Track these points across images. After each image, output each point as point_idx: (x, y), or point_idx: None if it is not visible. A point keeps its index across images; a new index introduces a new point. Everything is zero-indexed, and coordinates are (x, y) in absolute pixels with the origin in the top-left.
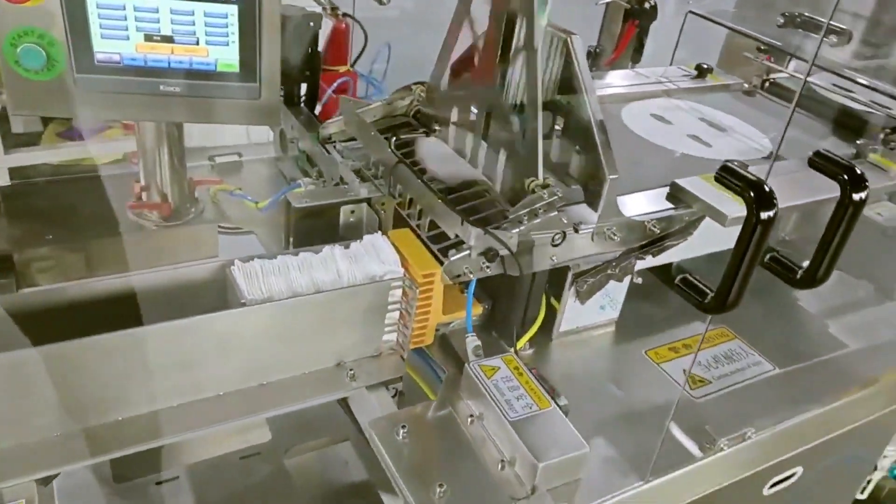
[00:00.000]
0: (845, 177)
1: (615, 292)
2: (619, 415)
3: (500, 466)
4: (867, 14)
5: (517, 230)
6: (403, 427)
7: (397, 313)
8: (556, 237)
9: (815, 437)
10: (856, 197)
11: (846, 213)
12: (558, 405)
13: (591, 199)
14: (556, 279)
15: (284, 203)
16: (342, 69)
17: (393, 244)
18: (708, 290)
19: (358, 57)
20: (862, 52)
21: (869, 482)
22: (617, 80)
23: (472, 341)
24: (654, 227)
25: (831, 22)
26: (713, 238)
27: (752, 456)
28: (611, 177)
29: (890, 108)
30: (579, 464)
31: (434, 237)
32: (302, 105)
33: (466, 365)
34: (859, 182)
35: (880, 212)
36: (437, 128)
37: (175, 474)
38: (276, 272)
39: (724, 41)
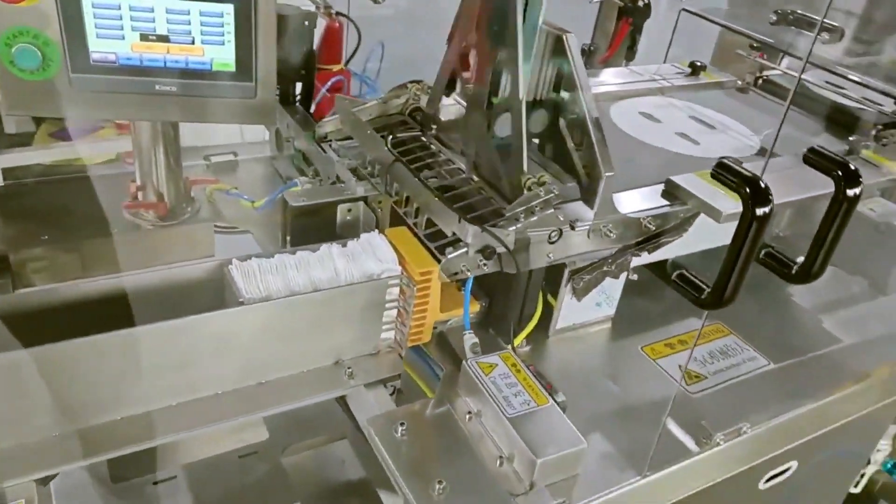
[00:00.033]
0: (839, 173)
1: (611, 289)
2: (616, 410)
3: (498, 463)
4: (859, 11)
5: (514, 228)
6: (402, 424)
7: (395, 311)
8: (553, 234)
9: (810, 431)
10: (850, 193)
11: (840, 208)
12: (556, 401)
13: (587, 197)
14: (552, 276)
15: (281, 202)
16: (336, 68)
17: (390, 242)
18: (704, 286)
19: (352, 56)
20: (853, 50)
21: (863, 476)
22: (611, 78)
23: (470, 339)
24: (650, 223)
25: (824, 20)
26: (708, 234)
27: (748, 450)
28: (607, 174)
29: (881, 105)
30: (577, 459)
31: (431, 235)
32: (297, 104)
33: (464, 362)
34: (853, 178)
35: (873, 207)
36: (433, 126)
37: (172, 474)
38: (273, 271)
39: (717, 39)
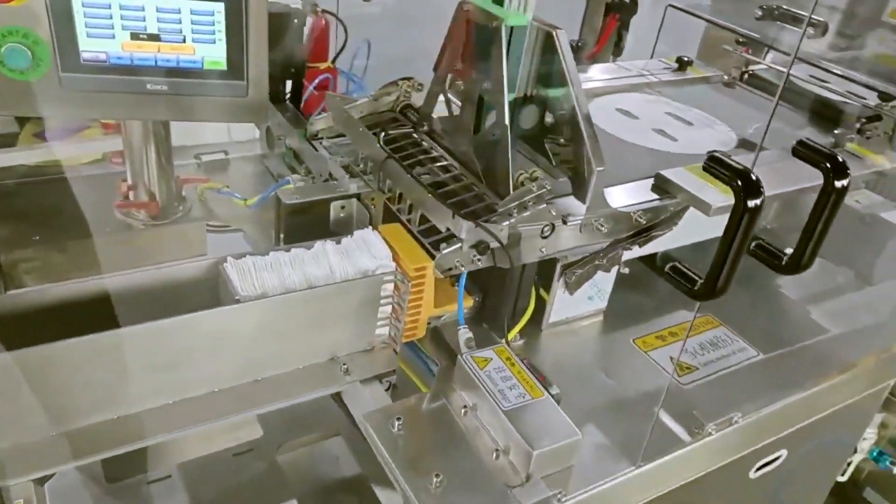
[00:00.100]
0: (828, 165)
1: (603, 283)
2: (610, 402)
3: (494, 455)
4: (842, 6)
5: (507, 223)
6: (398, 419)
7: (389, 307)
8: (546, 229)
9: (799, 420)
10: (838, 184)
11: (829, 200)
12: (550, 394)
13: (579, 192)
14: (545, 271)
15: (273, 200)
16: (323, 66)
17: (384, 239)
18: (697, 278)
19: (338, 54)
20: (837, 44)
21: (849, 464)
22: (599, 74)
23: (465, 333)
24: (641, 217)
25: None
26: (697, 228)
27: (739, 440)
28: (598, 169)
29: (865, 98)
30: (572, 451)
31: (424, 231)
32: (287, 102)
33: (459, 357)
34: (841, 170)
35: (858, 199)
36: (425, 124)
37: (167, 473)
38: (268, 268)
39: (703, 34)
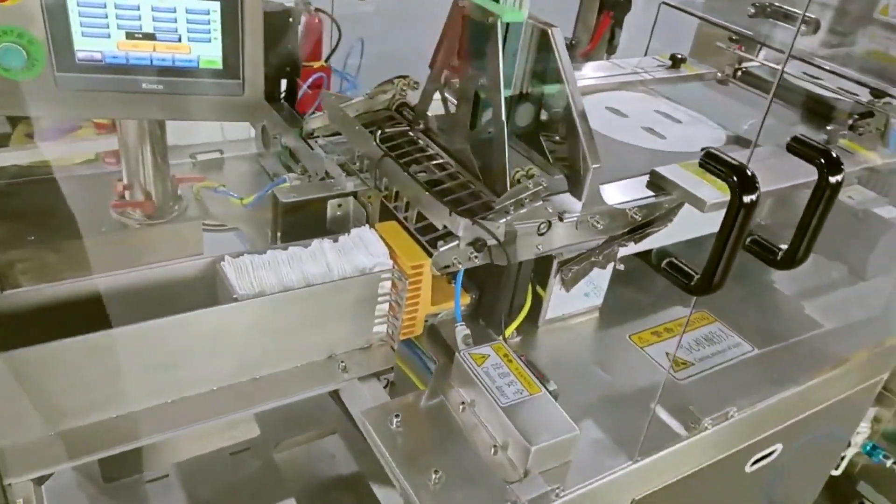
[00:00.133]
0: (822, 160)
1: (599, 279)
2: (606, 398)
3: (492, 451)
4: (834, 3)
5: (504, 220)
6: (397, 416)
7: (387, 305)
8: (542, 226)
9: (794, 414)
10: (832, 180)
11: (823, 195)
12: (548, 390)
13: (575, 189)
14: (541, 268)
15: (270, 199)
16: (316, 65)
17: (381, 237)
18: (693, 273)
19: (332, 52)
20: (829, 41)
21: (843, 458)
22: (594, 72)
23: (462, 330)
24: (636, 214)
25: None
26: (692, 224)
27: (735, 434)
28: (594, 165)
29: (857, 95)
30: (570, 446)
31: (421, 229)
32: (283, 101)
33: (457, 353)
34: (836, 165)
35: (851, 195)
36: (421, 122)
37: (164, 472)
38: (266, 267)
39: (696, 31)
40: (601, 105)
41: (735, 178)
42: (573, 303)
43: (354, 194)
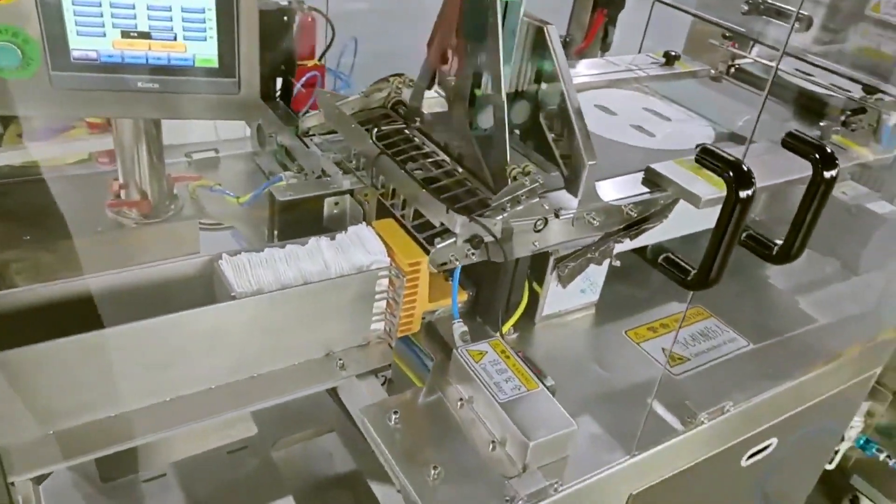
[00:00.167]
0: (817, 156)
1: (595, 276)
2: (604, 393)
3: (490, 447)
4: (826, 0)
5: (501, 217)
6: (395, 413)
7: (384, 302)
8: (538, 223)
9: (789, 409)
10: (827, 175)
11: (818, 190)
12: (545, 386)
13: (571, 185)
14: (537, 264)
15: (267, 197)
16: (310, 64)
17: (378, 234)
18: (690, 268)
19: (325, 51)
20: (821, 38)
21: (837, 452)
22: (588, 69)
23: (459, 327)
24: (632, 210)
25: (794, 8)
26: (687, 220)
27: (731, 428)
28: (590, 163)
29: (850, 91)
30: (567, 441)
31: (418, 226)
32: (278, 99)
33: (455, 350)
34: (830, 160)
35: (844, 191)
36: (417, 120)
37: (161, 472)
38: (263, 265)
39: (689, 29)
40: (590, 103)
41: (731, 174)
42: (570, 299)
43: (351, 192)
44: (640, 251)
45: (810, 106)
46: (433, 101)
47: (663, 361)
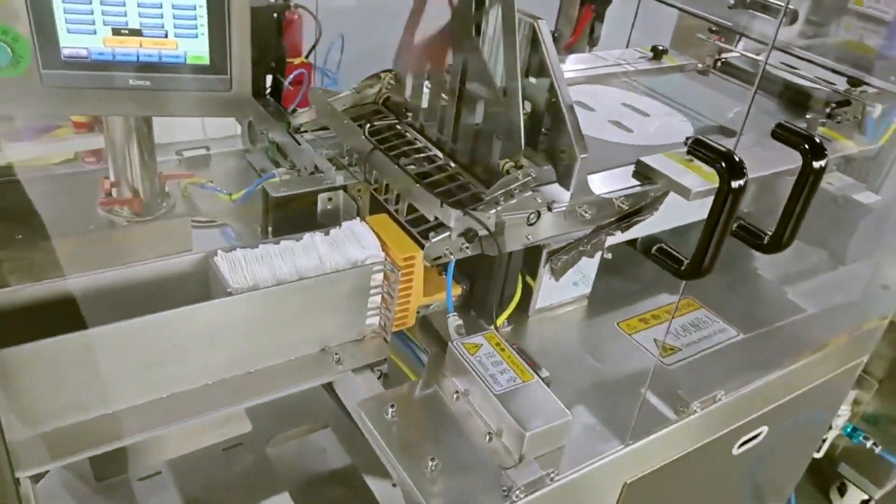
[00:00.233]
0: (806, 146)
1: (587, 268)
2: (597, 384)
3: (487, 438)
4: None
5: (495, 210)
6: (392, 406)
7: (379, 297)
8: (532, 216)
9: (778, 397)
10: (816, 165)
11: (808, 180)
12: (540, 377)
13: (563, 179)
14: (530, 258)
15: (260, 194)
16: (297, 61)
17: (372, 229)
18: (683, 259)
19: (312, 48)
20: (806, 32)
21: (825, 441)
22: (576, 64)
23: (454, 321)
24: (623, 203)
25: (779, 2)
26: (677, 212)
27: (723, 417)
28: (581, 156)
29: (835, 84)
30: (563, 431)
31: (412, 221)
32: (269, 96)
33: (450, 343)
34: (819, 151)
35: (831, 182)
36: (409, 114)
37: (156, 470)
38: (258, 260)
39: (676, 23)
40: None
41: (724, 164)
42: (562, 292)
43: (344, 188)
44: (632, 243)
45: (796, 99)
46: (426, 96)
47: (655, 352)
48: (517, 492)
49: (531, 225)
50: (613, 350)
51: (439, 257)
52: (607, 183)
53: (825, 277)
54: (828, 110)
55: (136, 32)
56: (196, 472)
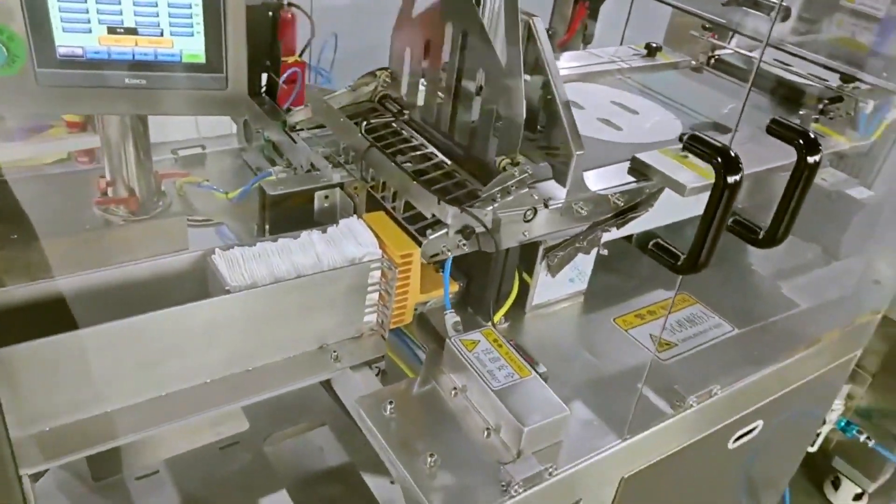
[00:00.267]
0: (801, 141)
1: (583, 265)
2: (594, 379)
3: (485, 434)
4: None
5: (492, 207)
6: (390, 403)
7: (377, 294)
8: (528, 213)
9: (773, 391)
10: (811, 160)
11: (802, 175)
12: (538, 373)
13: (559, 176)
14: (527, 255)
15: (257, 192)
16: (290, 60)
17: (369, 227)
18: (680, 254)
19: (305, 47)
20: (798, 28)
21: (819, 435)
22: (571, 62)
23: (452, 317)
24: (619, 200)
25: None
26: (672, 208)
27: (718, 411)
28: (577, 153)
29: (827, 80)
30: (561, 426)
31: (408, 218)
32: (264, 95)
33: (448, 340)
34: (814, 146)
35: (824, 177)
36: (405, 112)
37: (154, 468)
38: (256, 258)
39: (669, 20)
40: None
41: (720, 160)
42: (559, 288)
43: (341, 185)
44: (628, 239)
45: (789, 95)
46: (423, 94)
47: (651, 347)
48: (516, 486)
49: (528, 222)
50: (610, 346)
51: (436, 254)
52: (602, 180)
53: (819, 272)
54: (820, 106)
55: (131, 31)
56: (193, 471)
